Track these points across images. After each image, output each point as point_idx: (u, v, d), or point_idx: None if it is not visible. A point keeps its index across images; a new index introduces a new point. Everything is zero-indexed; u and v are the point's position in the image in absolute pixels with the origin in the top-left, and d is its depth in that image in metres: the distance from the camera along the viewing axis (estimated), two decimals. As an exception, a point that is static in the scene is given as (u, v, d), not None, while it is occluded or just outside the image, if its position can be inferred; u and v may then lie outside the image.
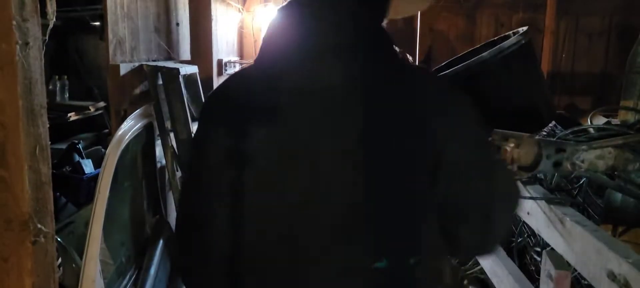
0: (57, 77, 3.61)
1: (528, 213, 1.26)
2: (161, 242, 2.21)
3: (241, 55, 4.84)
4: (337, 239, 0.86)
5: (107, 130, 3.53)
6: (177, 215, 1.12)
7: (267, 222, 0.88)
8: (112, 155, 1.76)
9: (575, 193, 1.50)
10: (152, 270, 2.02)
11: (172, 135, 2.34)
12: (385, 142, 0.85)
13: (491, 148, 1.15)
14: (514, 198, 0.98)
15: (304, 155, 0.86)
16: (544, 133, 1.74)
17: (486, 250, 1.08)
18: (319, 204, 0.85)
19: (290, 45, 0.90)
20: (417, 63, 3.51)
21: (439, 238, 0.90)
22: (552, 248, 1.12)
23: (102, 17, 1.97)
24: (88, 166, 2.63)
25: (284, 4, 0.95)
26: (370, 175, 0.85)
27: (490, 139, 1.24)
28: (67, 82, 3.67)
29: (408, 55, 3.48)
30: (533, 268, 1.44)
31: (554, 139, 1.28)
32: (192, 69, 2.57)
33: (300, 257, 0.87)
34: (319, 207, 0.85)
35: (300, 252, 0.87)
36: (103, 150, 3.11)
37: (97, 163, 2.73)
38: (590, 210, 1.52)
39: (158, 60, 2.51)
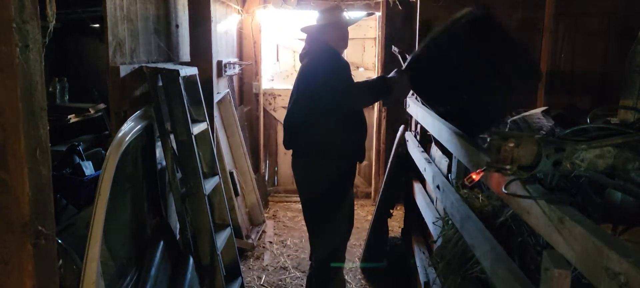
0: (57, 79, 3.61)
1: (528, 213, 1.26)
2: (162, 243, 2.21)
3: (240, 56, 4.84)
4: (309, 119, 2.58)
5: (107, 132, 3.53)
6: None
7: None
8: (113, 156, 1.76)
9: (575, 192, 1.50)
10: (153, 271, 2.02)
11: (172, 136, 2.34)
12: (317, 86, 2.52)
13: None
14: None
15: (299, 91, 2.64)
16: (544, 133, 1.74)
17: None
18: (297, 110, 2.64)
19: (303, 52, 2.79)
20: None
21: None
22: (552, 248, 1.13)
23: (102, 19, 1.97)
24: (88, 168, 2.63)
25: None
26: (318, 98, 2.51)
27: (489, 140, 1.25)
28: (67, 84, 3.67)
29: (406, 54, 3.47)
30: (533, 267, 1.44)
31: (554, 138, 1.28)
32: (192, 71, 2.57)
33: (302, 125, 2.61)
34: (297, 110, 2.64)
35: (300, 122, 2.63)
36: (103, 152, 3.11)
37: (98, 165, 2.73)
38: (590, 210, 1.52)
39: (158, 62, 2.51)
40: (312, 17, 2.91)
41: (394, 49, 3.46)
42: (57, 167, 2.56)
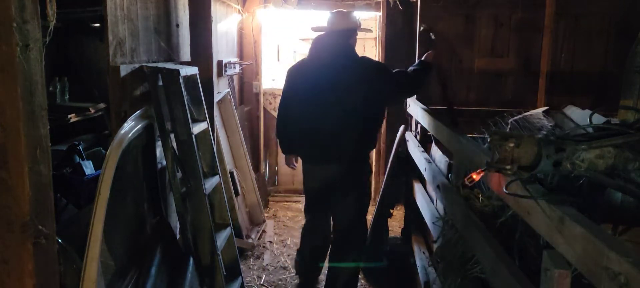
0: (57, 78, 3.61)
1: (528, 213, 1.26)
2: (162, 242, 2.21)
3: (241, 56, 4.84)
4: (333, 127, 2.81)
5: (107, 132, 3.53)
6: (278, 114, 3.20)
7: (304, 117, 2.92)
8: (113, 156, 1.77)
9: (575, 192, 1.50)
10: (153, 271, 2.03)
11: (172, 136, 2.34)
12: (350, 89, 2.77)
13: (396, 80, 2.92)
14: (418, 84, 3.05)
15: (318, 93, 2.82)
16: (544, 133, 1.74)
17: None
18: (322, 114, 2.83)
19: (317, 51, 2.94)
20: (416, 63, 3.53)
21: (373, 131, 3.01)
22: (552, 248, 1.13)
23: (102, 19, 1.97)
24: (89, 167, 2.63)
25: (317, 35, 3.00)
26: (343, 103, 2.78)
27: (489, 140, 1.25)
28: (67, 84, 3.67)
29: (431, 32, 3.57)
30: (533, 267, 1.44)
31: (554, 139, 1.28)
32: (192, 70, 2.57)
33: (317, 132, 2.87)
34: (323, 114, 2.83)
35: (316, 130, 2.87)
36: (103, 151, 3.11)
37: (98, 165, 2.73)
38: (590, 210, 1.52)
39: (158, 62, 2.51)
40: (324, 16, 3.12)
41: (424, 26, 3.57)
42: (57, 167, 2.56)
